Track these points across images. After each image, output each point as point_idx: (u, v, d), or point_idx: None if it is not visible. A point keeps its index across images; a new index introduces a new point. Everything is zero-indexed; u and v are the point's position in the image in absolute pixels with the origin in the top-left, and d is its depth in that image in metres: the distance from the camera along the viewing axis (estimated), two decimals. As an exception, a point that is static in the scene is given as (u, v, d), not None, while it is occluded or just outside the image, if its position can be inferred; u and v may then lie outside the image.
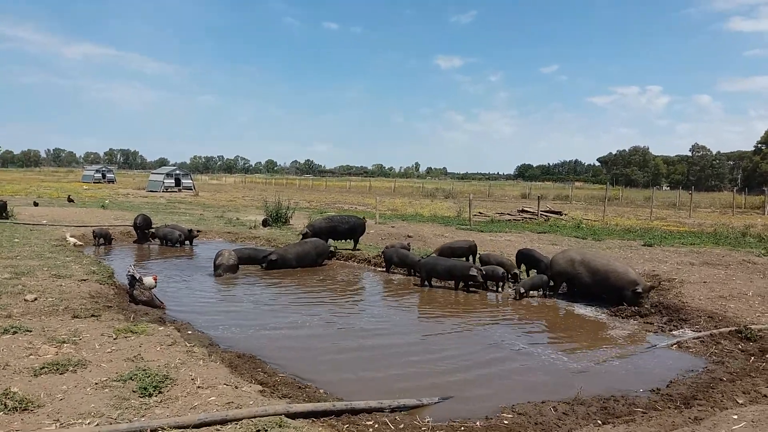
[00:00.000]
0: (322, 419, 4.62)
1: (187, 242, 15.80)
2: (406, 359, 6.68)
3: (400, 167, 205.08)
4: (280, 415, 4.31)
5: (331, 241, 14.71)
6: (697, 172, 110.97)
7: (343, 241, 15.34)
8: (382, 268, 12.78)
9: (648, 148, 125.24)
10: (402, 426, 4.61)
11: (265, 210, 21.13)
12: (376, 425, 4.59)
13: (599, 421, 4.80)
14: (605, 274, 9.44)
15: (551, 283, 10.39)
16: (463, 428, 4.67)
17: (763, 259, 13.73)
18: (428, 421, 4.75)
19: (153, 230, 16.31)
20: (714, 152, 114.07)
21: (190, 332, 7.14)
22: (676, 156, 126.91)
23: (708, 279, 10.91)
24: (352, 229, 14.90)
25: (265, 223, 20.02)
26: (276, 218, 20.42)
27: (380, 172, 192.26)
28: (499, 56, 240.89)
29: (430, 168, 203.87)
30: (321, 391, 5.50)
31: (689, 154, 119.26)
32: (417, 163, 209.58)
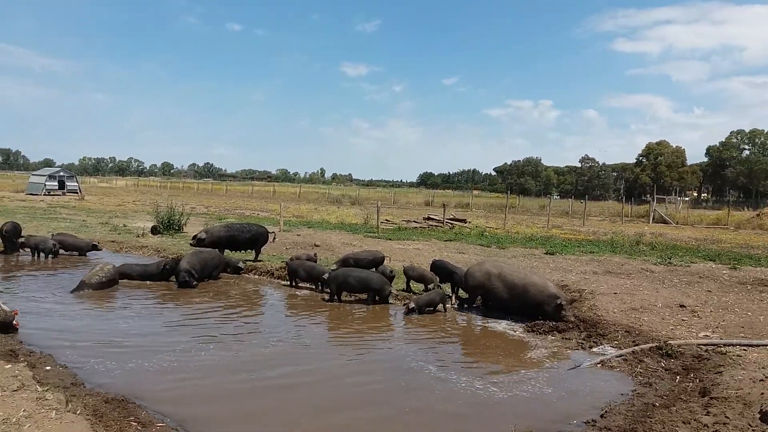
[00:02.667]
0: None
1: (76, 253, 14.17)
2: (314, 394, 5.83)
3: (306, 172, 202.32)
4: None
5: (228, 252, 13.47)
6: (585, 182, 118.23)
7: (242, 252, 14.10)
8: (287, 281, 11.75)
9: (540, 159, 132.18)
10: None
11: (155, 216, 19.32)
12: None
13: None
14: (524, 288, 9.08)
15: (451, 299, 10.00)
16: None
17: (660, 268, 14.20)
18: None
19: (23, 239, 14.20)
20: (600, 164, 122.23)
21: (48, 368, 5.84)
22: (565, 167, 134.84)
23: (617, 290, 10.93)
24: (254, 239, 13.70)
25: (154, 231, 18.27)
26: (168, 225, 18.68)
27: (285, 176, 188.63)
28: (403, 66, 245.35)
29: (336, 174, 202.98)
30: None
31: (578, 164, 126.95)
32: (322, 169, 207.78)
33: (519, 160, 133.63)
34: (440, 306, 9.73)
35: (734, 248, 20.32)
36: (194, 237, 13.54)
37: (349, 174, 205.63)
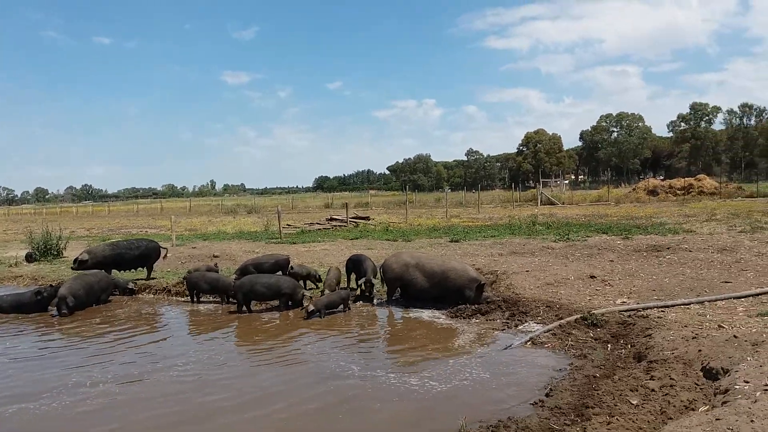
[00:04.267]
0: None
1: None
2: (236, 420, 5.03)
3: (194, 186, 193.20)
4: None
5: (116, 272, 12.09)
6: (473, 174, 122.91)
7: (132, 270, 12.72)
8: (186, 297, 10.66)
9: (430, 156, 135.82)
10: None
11: (30, 243, 17.16)
12: None
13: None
14: (443, 274, 8.78)
15: (355, 295, 9.67)
16: None
17: (559, 244, 14.64)
18: None
19: None
20: (485, 155, 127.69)
21: None
22: (453, 161, 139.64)
23: (528, 268, 11.01)
24: (144, 255, 12.36)
25: (29, 258, 16.17)
26: (45, 251, 16.62)
27: (172, 192, 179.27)
28: (285, 72, 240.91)
29: (227, 185, 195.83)
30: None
31: (465, 158, 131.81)
32: (212, 181, 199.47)
33: (410, 158, 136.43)
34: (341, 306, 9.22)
35: (620, 220, 21.63)
36: (75, 260, 12.00)
37: (242, 184, 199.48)
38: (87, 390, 5.86)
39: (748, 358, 4.66)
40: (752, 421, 3.33)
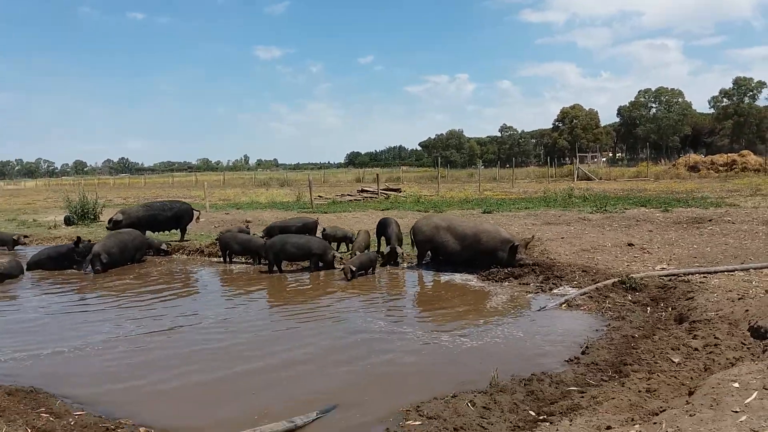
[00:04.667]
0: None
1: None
2: (262, 371, 4.98)
3: (228, 161, 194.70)
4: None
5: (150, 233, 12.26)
6: (507, 150, 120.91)
7: (166, 232, 12.90)
8: (219, 258, 10.76)
9: (462, 131, 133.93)
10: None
11: (68, 207, 17.58)
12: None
13: (532, 413, 3.66)
14: (475, 236, 8.60)
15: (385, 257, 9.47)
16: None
17: (596, 216, 14.24)
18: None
19: None
20: (519, 131, 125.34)
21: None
22: (487, 137, 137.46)
23: (563, 235, 10.74)
24: (177, 217, 12.51)
25: (68, 221, 16.59)
26: (82, 215, 17.00)
27: (207, 166, 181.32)
28: (317, 47, 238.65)
29: (261, 160, 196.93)
30: (143, 429, 3.69)
31: (498, 134, 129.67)
32: (246, 156, 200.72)
33: (442, 134, 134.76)
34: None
35: (659, 195, 20.97)
36: (110, 220, 12.23)
37: (275, 159, 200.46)
38: (117, 338, 5.94)
39: (803, 315, 4.39)
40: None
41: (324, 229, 10.85)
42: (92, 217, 17.21)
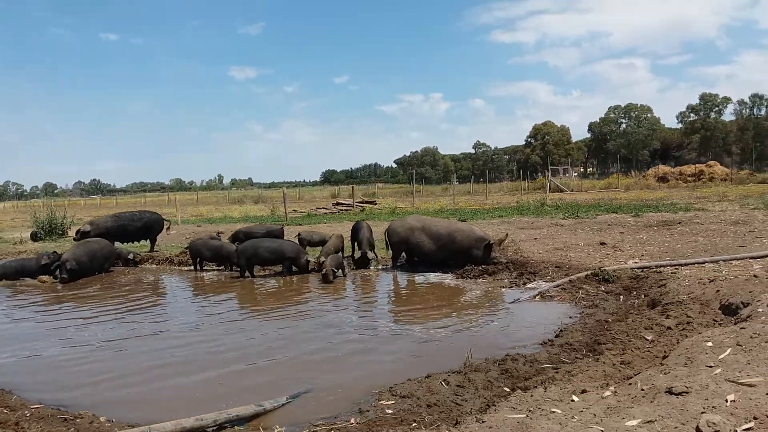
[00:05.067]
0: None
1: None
2: (231, 363, 4.82)
3: (202, 180, 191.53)
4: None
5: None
6: (481, 167, 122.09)
7: (136, 243, 12.60)
8: (189, 266, 10.53)
9: (437, 148, 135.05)
10: (239, 447, 2.91)
11: (35, 223, 17.12)
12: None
13: (507, 389, 3.59)
14: (449, 235, 8.57)
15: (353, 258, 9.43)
16: (333, 431, 3.11)
17: (569, 221, 14.38)
18: (278, 431, 3.11)
19: None
20: (493, 148, 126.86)
21: None
22: (461, 154, 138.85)
23: (537, 236, 10.79)
24: (147, 227, 12.26)
25: (34, 237, 16.12)
26: (50, 230, 16.56)
27: (180, 186, 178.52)
28: (292, 67, 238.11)
29: (235, 179, 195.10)
30: (102, 419, 3.51)
31: (473, 151, 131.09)
32: (220, 175, 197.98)
33: (417, 151, 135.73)
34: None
35: (630, 203, 21.29)
36: (77, 231, 11.91)
37: (249, 178, 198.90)
38: (83, 343, 5.71)
39: (770, 290, 4.43)
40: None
41: (299, 234, 10.72)
42: (60, 232, 16.78)
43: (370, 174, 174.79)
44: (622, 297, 6.09)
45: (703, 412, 2.15)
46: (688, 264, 7.19)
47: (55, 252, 10.30)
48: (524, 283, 7.40)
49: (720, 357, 2.73)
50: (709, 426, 2.00)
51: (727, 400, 2.25)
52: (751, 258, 7.43)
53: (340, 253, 9.56)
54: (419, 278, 8.48)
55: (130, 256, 11.09)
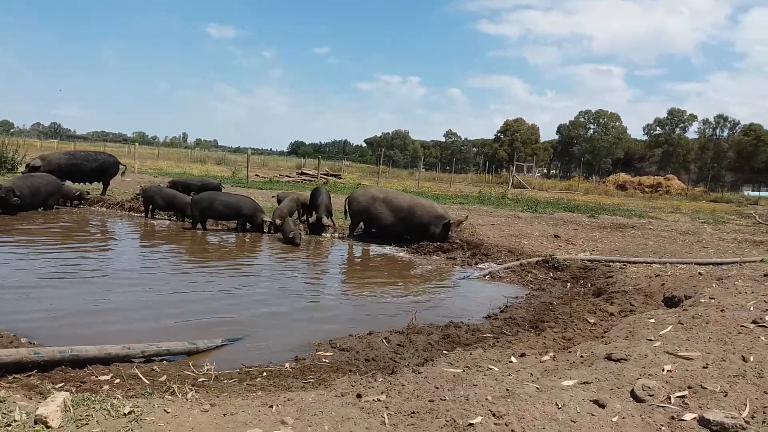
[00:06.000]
0: (13, 376, 2.57)
1: None
2: (168, 308, 4.64)
3: (166, 137, 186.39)
4: None
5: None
6: (449, 156, 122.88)
7: (88, 184, 12.12)
8: (140, 213, 10.20)
9: (408, 132, 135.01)
10: (164, 378, 2.80)
11: (-18, 154, 16.33)
12: (117, 380, 2.69)
13: (444, 351, 3.57)
14: (410, 209, 8.54)
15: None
16: (265, 373, 3.03)
17: (527, 214, 14.58)
18: (208, 369, 3.00)
19: None
20: (463, 138, 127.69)
21: None
22: (431, 141, 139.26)
23: (494, 223, 10.88)
24: (102, 169, 11.78)
25: (-20, 170, 15.39)
26: (-1, 163, 15.84)
27: (143, 140, 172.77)
28: (272, 32, 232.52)
29: (200, 140, 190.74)
30: (24, 339, 3.33)
31: (443, 139, 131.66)
32: (185, 134, 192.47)
33: (388, 132, 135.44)
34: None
35: (587, 205, 21.75)
36: (27, 165, 11.37)
37: (215, 140, 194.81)
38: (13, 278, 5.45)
39: (714, 285, 4.53)
40: (722, 311, 3.17)
41: (278, 195, 10.50)
42: (9, 167, 16.06)
43: (338, 151, 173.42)
44: (569, 284, 6.17)
45: (638, 378, 2.16)
46: (637, 262, 7.35)
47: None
48: (476, 263, 7.43)
49: (661, 333, 2.76)
50: (643, 390, 2.01)
51: (664, 369, 2.27)
52: (696, 264, 7.63)
53: (293, 216, 9.36)
54: (374, 249, 8.42)
55: (78, 194, 10.66)
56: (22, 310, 4.16)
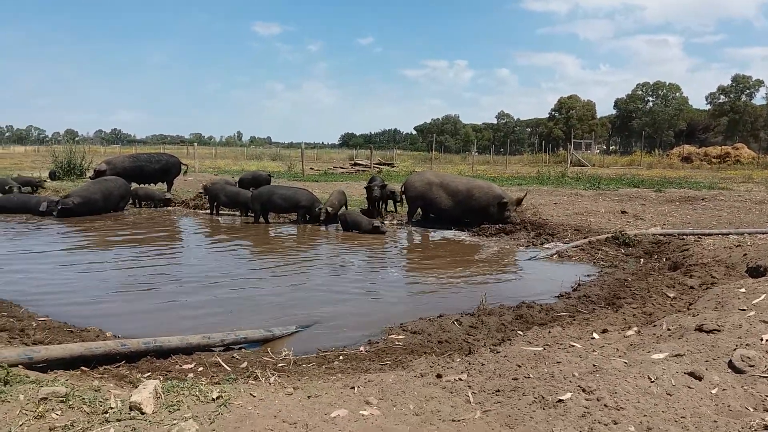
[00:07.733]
0: (103, 367, 2.69)
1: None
2: (244, 297, 4.80)
3: (221, 136, 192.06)
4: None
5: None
6: (502, 138, 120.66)
7: (152, 185, 12.60)
8: (205, 210, 10.52)
9: (459, 117, 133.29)
10: (245, 365, 2.87)
11: (54, 162, 17.25)
12: (201, 368, 2.78)
13: (520, 332, 3.50)
14: (468, 192, 8.42)
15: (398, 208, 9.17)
16: (341, 357, 3.06)
17: (589, 192, 14.12)
18: (286, 354, 3.06)
19: None
20: (516, 119, 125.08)
21: None
22: (483, 124, 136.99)
23: (556, 202, 10.61)
24: (165, 170, 12.23)
25: (52, 176, 16.29)
26: (68, 170, 16.67)
27: (199, 140, 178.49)
28: (317, 25, 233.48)
29: (254, 137, 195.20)
30: (109, 333, 3.49)
31: (495, 121, 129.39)
32: (239, 132, 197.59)
33: (438, 119, 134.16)
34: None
35: (652, 179, 20.88)
36: (94, 170, 11.92)
37: (268, 137, 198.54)
38: (90, 268, 5.73)
39: (803, 253, 4.25)
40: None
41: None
42: (78, 173, 16.88)
43: (389, 140, 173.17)
44: (642, 260, 5.94)
45: (735, 349, 2.05)
46: (711, 234, 6.99)
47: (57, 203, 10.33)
48: (542, 243, 7.26)
49: (754, 302, 2.61)
50: (743, 360, 1.90)
51: (762, 339, 2.14)
52: (778, 233, 7.21)
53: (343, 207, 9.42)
54: (435, 234, 8.37)
55: (167, 195, 11.30)
56: (100, 300, 4.37)
